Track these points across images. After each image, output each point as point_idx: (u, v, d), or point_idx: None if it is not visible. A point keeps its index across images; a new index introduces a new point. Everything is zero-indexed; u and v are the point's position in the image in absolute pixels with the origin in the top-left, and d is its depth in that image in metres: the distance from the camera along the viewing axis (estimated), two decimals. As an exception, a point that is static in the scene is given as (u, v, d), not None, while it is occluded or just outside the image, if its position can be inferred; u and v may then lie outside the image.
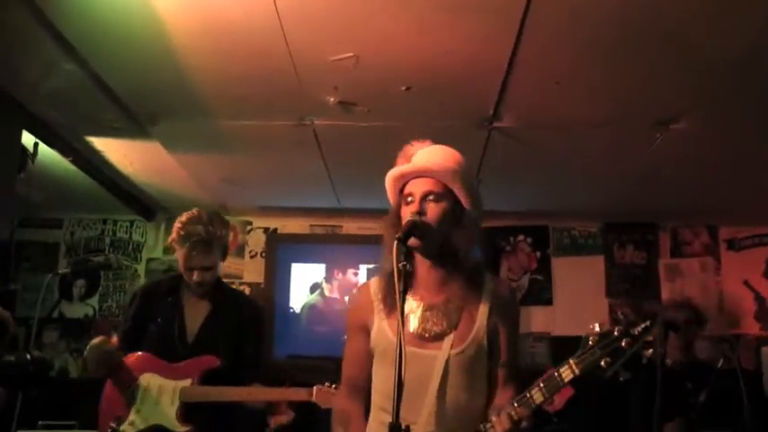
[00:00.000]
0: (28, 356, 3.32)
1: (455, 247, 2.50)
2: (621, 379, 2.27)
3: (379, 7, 3.12)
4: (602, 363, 2.21)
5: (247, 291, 6.52)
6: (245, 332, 3.92)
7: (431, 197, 2.48)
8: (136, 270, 6.67)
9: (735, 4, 3.00)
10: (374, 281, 2.68)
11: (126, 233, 6.74)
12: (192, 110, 4.24)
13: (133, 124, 4.46)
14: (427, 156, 2.57)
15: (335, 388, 3.60)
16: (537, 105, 4.09)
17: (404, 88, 3.85)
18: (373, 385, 2.62)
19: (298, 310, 6.45)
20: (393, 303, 2.39)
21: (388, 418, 2.12)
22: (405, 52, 3.50)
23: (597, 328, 2.26)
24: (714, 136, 4.43)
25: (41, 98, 4.08)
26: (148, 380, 3.73)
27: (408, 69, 3.67)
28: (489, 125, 4.31)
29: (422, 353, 2.46)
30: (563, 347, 6.20)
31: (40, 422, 5.28)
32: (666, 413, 4.08)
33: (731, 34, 3.24)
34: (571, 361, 2.26)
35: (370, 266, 6.47)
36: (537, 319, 6.42)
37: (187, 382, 3.71)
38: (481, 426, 2.39)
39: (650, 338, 2.22)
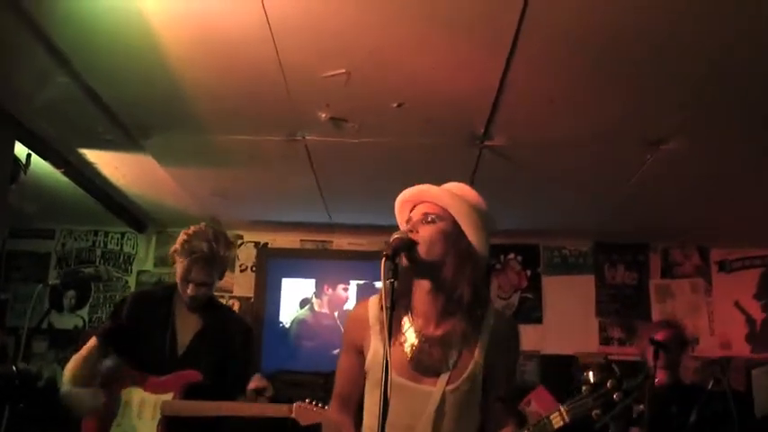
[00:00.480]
0: (14, 368, 3.31)
1: (448, 272, 2.45)
2: None
3: (371, 24, 3.14)
4: (593, 414, 2.23)
5: (237, 305, 6.52)
6: (233, 351, 3.89)
7: (428, 219, 2.49)
8: (126, 282, 6.64)
9: (725, 24, 3.02)
10: (373, 299, 2.65)
11: (117, 245, 6.72)
12: (185, 124, 4.25)
13: (125, 137, 4.46)
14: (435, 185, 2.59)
15: (316, 405, 3.62)
16: (528, 124, 4.10)
17: (395, 105, 3.86)
18: (365, 411, 2.61)
19: (287, 325, 6.43)
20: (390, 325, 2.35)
21: None
22: (396, 69, 3.52)
23: (591, 378, 2.26)
24: (704, 157, 4.44)
25: (34, 110, 4.09)
26: (130, 394, 3.71)
27: (400, 86, 3.69)
28: (480, 143, 4.31)
29: (417, 388, 2.44)
30: (552, 366, 6.27)
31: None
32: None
33: (721, 55, 3.26)
34: (562, 408, 2.27)
35: (361, 282, 6.46)
36: (527, 338, 6.29)
37: (168, 396, 3.68)
38: None
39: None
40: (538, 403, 5.39)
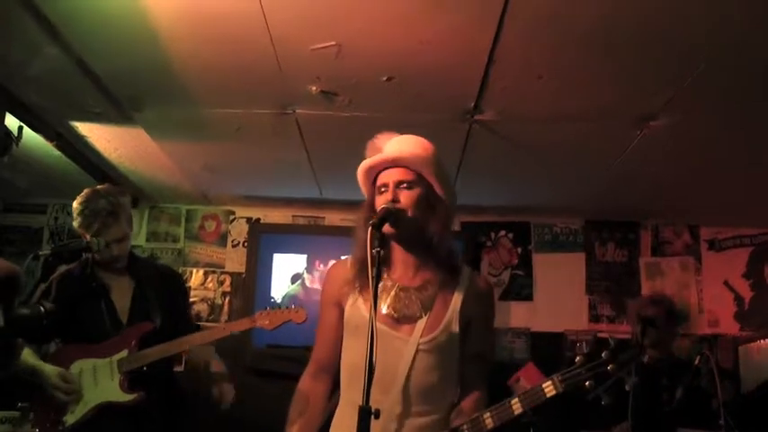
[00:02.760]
0: (41, 309, 3.33)
1: (430, 233, 2.53)
2: (603, 403, 2.30)
3: None
4: (586, 384, 2.25)
5: (228, 280, 6.59)
6: (173, 300, 3.96)
7: (404, 185, 2.54)
8: (119, 256, 6.62)
9: (713, 1, 3.03)
10: (353, 258, 2.70)
11: (110, 220, 6.69)
12: (175, 96, 4.25)
13: (117, 109, 4.46)
14: (397, 145, 2.62)
15: (278, 309, 3.85)
16: (518, 99, 4.10)
17: (385, 79, 3.87)
18: (342, 361, 2.64)
19: (278, 300, 6.45)
20: (366, 285, 2.40)
21: (359, 399, 2.14)
22: (386, 43, 3.53)
23: (585, 348, 2.29)
24: (695, 134, 4.44)
25: (25, 81, 4.08)
26: (80, 365, 3.71)
27: (390, 60, 3.70)
28: (471, 118, 4.32)
29: (392, 334, 2.49)
30: (542, 343, 6.29)
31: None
32: (641, 408, 4.11)
33: (712, 31, 3.26)
34: (555, 378, 2.30)
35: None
36: (517, 315, 6.43)
37: (124, 353, 3.70)
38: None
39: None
40: (527, 380, 5.40)
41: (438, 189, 2.57)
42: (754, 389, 5.61)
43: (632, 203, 6.17)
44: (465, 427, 2.40)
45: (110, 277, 3.88)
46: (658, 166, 5.09)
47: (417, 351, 2.47)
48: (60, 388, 3.58)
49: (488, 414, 2.36)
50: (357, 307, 2.58)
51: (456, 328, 2.52)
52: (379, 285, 2.48)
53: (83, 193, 3.83)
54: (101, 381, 3.69)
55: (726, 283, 6.50)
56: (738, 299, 6.46)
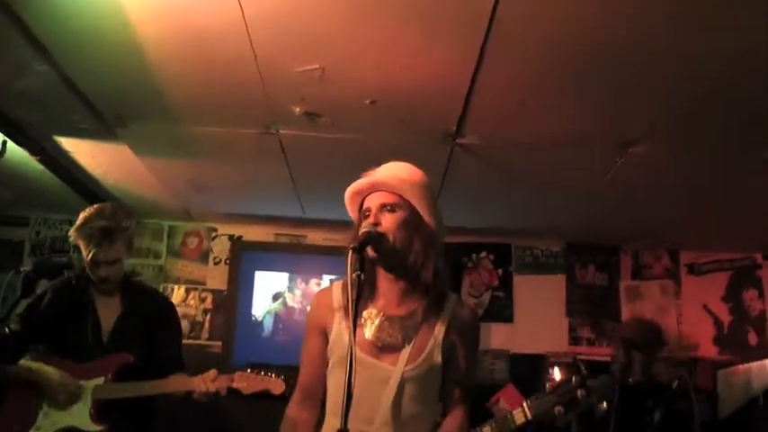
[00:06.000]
0: (6, 330, 3.37)
1: (413, 258, 2.50)
2: (572, 431, 2.31)
3: (345, 21, 3.16)
4: (556, 411, 2.26)
5: (210, 297, 6.56)
6: (159, 329, 3.86)
7: (387, 208, 2.51)
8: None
9: (697, 34, 3.08)
10: (337, 285, 2.67)
11: (92, 235, 6.66)
12: (160, 114, 4.25)
13: (101, 126, 4.45)
14: (384, 170, 2.61)
15: (258, 373, 3.59)
16: (500, 123, 4.13)
17: (368, 102, 3.89)
18: (327, 393, 2.61)
19: (260, 318, 6.46)
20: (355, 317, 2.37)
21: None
22: (370, 66, 3.55)
23: (557, 375, 2.30)
24: (674, 160, 4.49)
25: (10, 96, 4.06)
26: None
27: (373, 83, 3.72)
28: (452, 141, 4.34)
29: (376, 363, 2.47)
30: (522, 365, 6.29)
31: None
32: (624, 429, 4.15)
33: (692, 62, 3.31)
34: (524, 404, 2.31)
35: (334, 277, 6.43)
36: (497, 337, 6.44)
37: (100, 381, 3.62)
38: None
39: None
40: (507, 402, 5.41)
41: (424, 214, 2.55)
42: (732, 413, 5.64)
43: (613, 227, 6.19)
44: None
45: (100, 296, 3.81)
46: (639, 190, 5.12)
47: (403, 380, 2.45)
48: (64, 386, 3.54)
49: None
50: (341, 336, 2.54)
51: (438, 358, 2.50)
52: (364, 313, 2.49)
53: (90, 208, 3.79)
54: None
55: (705, 307, 6.55)
56: (718, 322, 6.51)
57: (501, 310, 6.55)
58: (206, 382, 3.58)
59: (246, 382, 3.60)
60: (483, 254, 6.67)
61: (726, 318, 6.51)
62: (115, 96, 4.08)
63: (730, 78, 3.45)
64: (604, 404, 2.24)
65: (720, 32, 3.07)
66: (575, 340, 6.43)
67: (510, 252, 6.69)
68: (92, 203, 5.78)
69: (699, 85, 3.54)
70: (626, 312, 6.50)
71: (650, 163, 4.51)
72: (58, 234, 6.72)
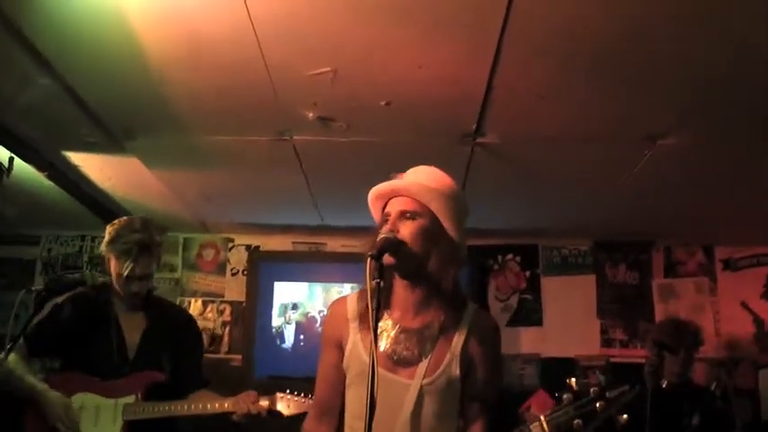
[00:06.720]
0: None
1: (431, 268, 2.43)
2: None
3: (356, 22, 3.12)
4: (574, 424, 2.19)
5: (228, 309, 6.50)
6: (184, 344, 3.85)
7: (406, 215, 2.45)
8: (112, 287, 6.56)
9: (717, 19, 2.98)
10: (352, 296, 2.63)
11: (104, 250, 6.64)
12: (169, 125, 4.22)
13: (109, 139, 4.42)
14: (410, 175, 2.56)
15: (298, 395, 3.59)
16: (519, 121, 4.05)
17: (383, 104, 3.83)
18: (346, 408, 2.57)
19: (280, 330, 6.35)
20: (368, 321, 2.30)
21: None
22: (382, 68, 3.50)
23: (574, 385, 2.23)
24: (704, 152, 4.37)
25: (16, 112, 4.04)
26: (83, 399, 3.59)
27: (387, 84, 3.66)
28: (472, 141, 4.26)
29: (393, 378, 2.43)
30: (553, 369, 6.16)
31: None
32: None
33: (716, 49, 3.20)
34: (542, 418, 2.24)
35: (355, 285, 6.33)
36: (526, 340, 6.32)
37: (130, 399, 3.59)
38: None
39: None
40: (538, 408, 5.27)
41: (446, 223, 2.47)
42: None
43: (643, 223, 6.05)
44: None
45: (123, 311, 3.77)
46: (669, 184, 4.99)
47: (422, 393, 2.41)
48: (63, 422, 3.48)
49: None
50: (356, 349, 2.50)
51: (456, 371, 2.45)
52: (379, 325, 2.43)
53: (119, 221, 3.76)
54: (101, 422, 3.57)
55: (743, 304, 6.34)
56: (757, 320, 6.29)
57: (529, 314, 6.41)
58: (247, 404, 3.56)
59: (287, 403, 3.60)
60: (509, 256, 6.54)
61: (766, 315, 6.30)
62: (122, 108, 4.06)
63: (764, 64, 3.32)
64: (625, 416, 2.14)
65: (749, 21, 2.96)
66: (607, 342, 6.28)
67: (537, 253, 6.55)
68: (103, 218, 5.83)
69: (724, 74, 3.41)
70: (659, 312, 6.32)
71: (680, 155, 4.39)
72: (71, 251, 6.69)
